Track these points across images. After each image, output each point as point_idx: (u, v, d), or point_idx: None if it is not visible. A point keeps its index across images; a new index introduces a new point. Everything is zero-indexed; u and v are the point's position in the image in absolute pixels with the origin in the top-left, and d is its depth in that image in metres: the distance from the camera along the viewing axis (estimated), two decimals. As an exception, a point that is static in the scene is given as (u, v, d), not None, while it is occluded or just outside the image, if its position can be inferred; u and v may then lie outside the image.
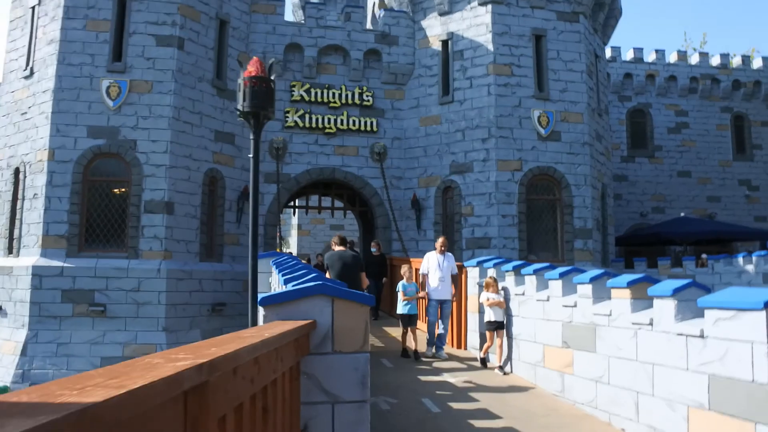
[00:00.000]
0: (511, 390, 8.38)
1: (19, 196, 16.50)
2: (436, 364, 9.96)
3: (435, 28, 19.46)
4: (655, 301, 6.12)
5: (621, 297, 6.70)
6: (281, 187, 18.80)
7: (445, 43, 19.23)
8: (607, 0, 20.51)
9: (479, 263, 10.96)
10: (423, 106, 19.32)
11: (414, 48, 19.85)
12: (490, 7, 18.46)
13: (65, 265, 15.51)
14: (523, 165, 17.87)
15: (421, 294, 10.97)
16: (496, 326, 9.62)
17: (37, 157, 16.09)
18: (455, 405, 7.38)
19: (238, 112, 6.44)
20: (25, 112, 16.79)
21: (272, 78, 6.58)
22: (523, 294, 9.19)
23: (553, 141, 18.14)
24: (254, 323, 6.17)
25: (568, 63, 18.68)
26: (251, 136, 6.77)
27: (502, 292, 9.78)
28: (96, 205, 16.16)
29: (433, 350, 10.59)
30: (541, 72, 18.48)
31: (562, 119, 18.31)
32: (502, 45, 18.33)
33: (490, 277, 9.97)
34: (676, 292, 5.87)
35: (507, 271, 9.86)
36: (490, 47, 18.28)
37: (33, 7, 17.46)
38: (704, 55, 30.21)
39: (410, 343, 10.52)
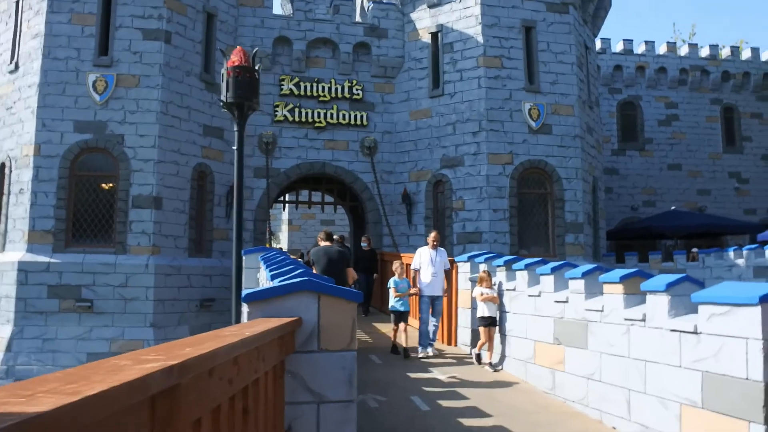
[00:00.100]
0: (501, 387, 8.29)
1: (5, 191, 16.31)
2: (426, 361, 9.86)
3: (424, 20, 19.32)
4: (648, 297, 6.03)
5: (613, 292, 6.61)
6: (271, 182, 18.65)
7: (434, 35, 19.10)
8: (598, -8, 20.44)
9: (470, 258, 10.85)
10: (413, 99, 19.20)
11: (403, 41, 19.71)
12: (479, -2, 18.34)
13: (51, 260, 15.35)
14: (514, 158, 17.78)
15: (413, 290, 10.73)
16: (489, 322, 9.39)
17: (23, 152, 15.88)
18: (444, 403, 7.28)
19: (221, 103, 6.29)
20: (11, 107, 16.56)
21: (256, 68, 6.42)
22: (514, 289, 9.09)
23: (544, 134, 18.06)
24: (238, 320, 6.04)
25: (558, 55, 18.59)
26: (235, 128, 6.62)
27: (495, 287, 9.59)
28: (83, 200, 15.98)
29: (427, 351, 10.29)
30: (531, 64, 18.38)
31: (552, 112, 18.23)
32: (492, 37, 18.21)
33: (484, 272, 9.74)
34: (669, 287, 5.77)
35: (498, 266, 9.76)
36: (480, 39, 18.16)
37: (17, 1, 17.21)
38: (693, 47, 30.21)
39: (401, 340, 10.39)
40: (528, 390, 8.15)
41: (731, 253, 19.47)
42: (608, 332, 6.64)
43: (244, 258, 10.73)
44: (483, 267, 10.23)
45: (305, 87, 19.11)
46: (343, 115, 19.21)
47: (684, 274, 6.03)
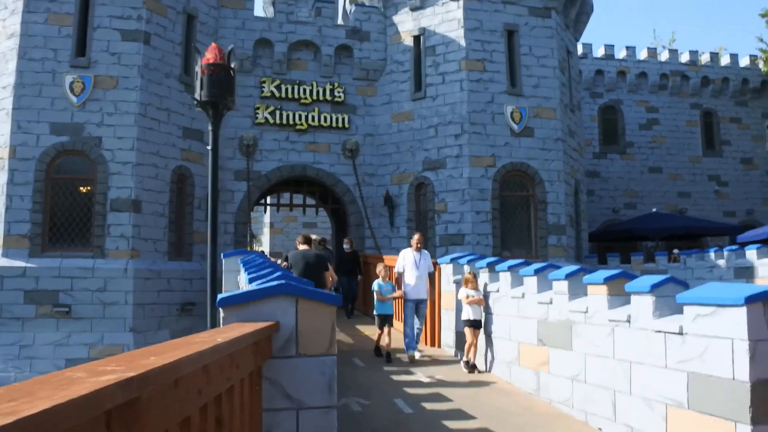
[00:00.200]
0: (485, 389, 8.20)
1: (-21, 194, 15.98)
2: (409, 363, 9.74)
3: (407, 23, 19.25)
4: (633, 298, 5.97)
5: (598, 293, 6.54)
6: (252, 185, 18.47)
7: (417, 38, 19.03)
8: (579, -4, 20.48)
9: (453, 260, 10.75)
10: (395, 102, 19.11)
11: (386, 44, 19.62)
12: (461, 2, 18.31)
13: (28, 265, 15.07)
14: (496, 161, 17.74)
15: (398, 293, 10.50)
16: (474, 325, 9.22)
17: (-2, 154, 15.59)
18: (428, 405, 7.17)
19: (195, 102, 6.14)
20: (-15, 109, 16.24)
21: (232, 66, 6.26)
22: (498, 291, 9.01)
23: (526, 137, 18.04)
24: (215, 325, 5.89)
25: (541, 59, 18.59)
26: (210, 128, 6.46)
27: (481, 290, 9.43)
28: (60, 204, 15.71)
29: (414, 354, 10.10)
30: (513, 67, 18.37)
31: (534, 115, 18.22)
32: (474, 40, 18.18)
33: (470, 273, 9.56)
34: (654, 288, 5.71)
35: (481, 267, 9.68)
36: (462, 43, 18.12)
37: (-8, 0, 16.90)
38: (674, 53, 30.46)
39: (384, 343, 10.25)
40: (512, 392, 8.07)
41: (712, 254, 19.58)
42: (593, 333, 6.57)
43: (223, 261, 10.58)
44: (467, 269, 10.14)
45: (286, 89, 18.96)
46: (325, 118, 19.08)
47: (668, 275, 5.98)
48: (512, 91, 18.15)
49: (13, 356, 14.45)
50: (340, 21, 20.82)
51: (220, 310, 3.70)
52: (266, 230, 33.34)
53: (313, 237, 12.55)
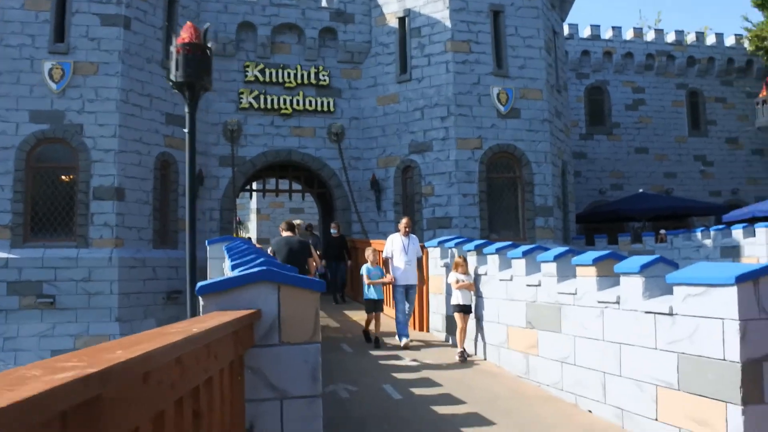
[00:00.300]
0: (474, 373, 8.14)
1: (-41, 185, 15.70)
2: (399, 350, 9.65)
3: (391, 4, 19.02)
4: (622, 279, 5.90)
5: (586, 275, 6.47)
6: (237, 171, 18.28)
7: (402, 20, 18.81)
8: (564, -25, 20.31)
9: (440, 243, 10.67)
10: (380, 84, 18.91)
11: (370, 26, 19.39)
12: (446, -18, 18.08)
13: (10, 256, 14.87)
14: (483, 143, 17.63)
15: (387, 279, 10.30)
16: (464, 310, 9.03)
17: (-24, 143, 15.30)
18: (417, 391, 7.10)
19: (170, 83, 5.96)
20: (-38, 97, 15.92)
21: (209, 45, 6.07)
22: (486, 274, 8.93)
23: (513, 118, 17.92)
24: (195, 314, 5.76)
25: (527, 39, 18.43)
26: (186, 109, 6.29)
27: (480, 277, 9.18)
28: (41, 193, 15.48)
29: (406, 340, 9.85)
30: (499, 48, 18.20)
31: (521, 96, 18.09)
32: (460, 21, 17.99)
33: (460, 257, 9.35)
34: (643, 269, 5.64)
35: (469, 250, 9.59)
36: (448, 24, 17.93)
37: (-33, -15, 16.51)
38: (660, 33, 30.36)
39: (373, 328, 10.13)
40: (502, 375, 8.02)
41: (699, 234, 19.62)
42: (582, 315, 6.51)
43: (208, 248, 10.47)
44: (454, 252, 10.05)
45: (270, 73, 18.72)
46: (310, 102, 18.86)
47: (658, 256, 5.91)
48: (498, 72, 17.99)
49: (-2, 348, 14.28)
50: (324, 3, 20.52)
51: (200, 298, 3.58)
52: (253, 216, 33.13)
53: (297, 222, 12.47)
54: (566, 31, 27.76)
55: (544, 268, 7.35)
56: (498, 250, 8.65)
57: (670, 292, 5.32)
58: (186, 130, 6.24)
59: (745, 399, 4.57)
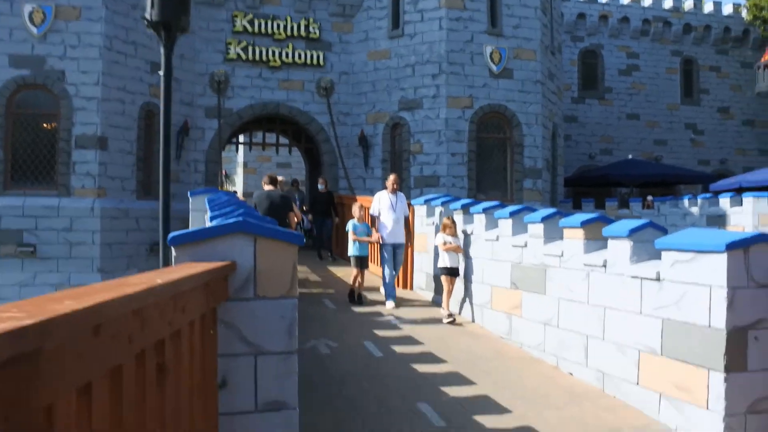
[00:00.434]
0: (456, 332, 8.09)
1: (-64, 129, 15.33)
2: (381, 307, 9.57)
3: (385, -44, 18.51)
4: (610, 242, 5.80)
5: (574, 237, 6.36)
6: (223, 123, 17.96)
7: (395, -28, 18.34)
8: (564, -67, 19.84)
9: (426, 201, 10.53)
10: (372, 39, 18.52)
11: (363, -23, 18.90)
12: (442, -65, 17.58)
13: (-10, 203, 14.57)
14: (474, 102, 17.37)
15: (374, 237, 10.06)
16: (451, 273, 8.81)
17: (-46, 88, 14.88)
18: (399, 349, 7.04)
19: (146, 22, 5.71)
20: (-62, 40, 15.43)
21: (187, -20, 5.80)
22: (472, 233, 8.82)
23: (505, 78, 17.64)
24: (167, 266, 5.61)
25: (522, -2, 18.04)
26: (162, 50, 6.03)
27: (461, 235, 8.99)
28: (22, 140, 15.14)
29: (393, 302, 9.62)
30: (494, 6, 17.79)
31: (514, 56, 17.79)
32: (455, -24, 17.55)
33: (448, 218, 9.07)
34: (632, 233, 5.54)
35: (455, 209, 9.46)
36: (443, -22, 17.49)
37: None
38: (657, -3, 29.96)
39: (357, 285, 9.96)
40: (484, 335, 7.97)
41: (686, 202, 19.64)
42: (567, 278, 6.42)
43: (190, 200, 10.27)
44: (440, 210, 9.91)
45: (259, 24, 18.26)
46: (299, 55, 18.46)
47: (647, 220, 5.82)
48: (492, 30, 17.63)
49: (-24, 296, 14.10)
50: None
51: (172, 249, 3.42)
52: (239, 170, 32.82)
53: (280, 179, 12.32)
54: (563, -9, 27.29)
55: (530, 229, 7.24)
56: (485, 210, 8.53)
57: (658, 258, 5.23)
58: (161, 73, 5.97)
59: (729, 366, 4.53)
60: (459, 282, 9.01)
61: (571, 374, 6.26)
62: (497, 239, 8.03)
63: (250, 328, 3.43)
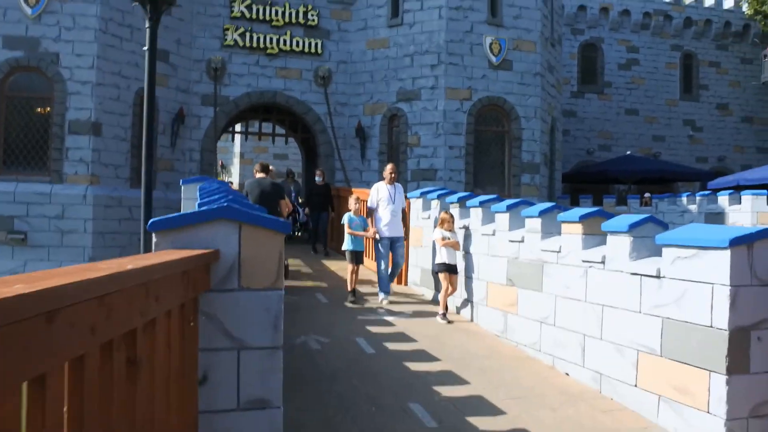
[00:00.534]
0: (451, 330, 7.93)
1: (-74, 112, 15.10)
2: (375, 302, 9.39)
3: (385, -57, 18.26)
4: (609, 238, 5.63)
5: (572, 232, 6.20)
6: (219, 110, 17.74)
7: (395, -40, 18.10)
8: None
9: (423, 194, 10.35)
10: (371, 28, 18.28)
11: (363, -35, 18.66)
12: (443, -77, 17.34)
13: (-20, 189, 14.36)
14: (472, 94, 17.18)
15: (370, 232, 9.71)
16: (449, 269, 8.51)
17: (-55, 69, 14.64)
18: (391, 346, 6.88)
19: (130, -5, 5.52)
20: (-70, 20, 15.18)
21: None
22: (468, 227, 8.65)
23: (505, 70, 17.44)
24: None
25: (523, -12, 17.83)
26: (147, 24, 5.83)
27: (462, 231, 8.68)
28: (15, 124, 14.92)
29: (386, 297, 9.37)
30: (494, -4, 17.59)
31: (514, 47, 17.58)
32: (455, -35, 17.33)
33: (446, 213, 8.78)
34: (632, 228, 5.37)
35: (452, 202, 9.29)
36: (443, -33, 17.26)
37: None
38: (658, -10, 29.78)
39: (353, 282, 9.48)
40: (479, 333, 7.81)
41: (684, 199, 19.51)
42: (565, 274, 6.26)
43: (183, 188, 10.08)
44: (436, 204, 9.74)
45: (258, 10, 18.00)
46: (297, 42, 18.23)
47: (648, 215, 5.65)
48: (492, 21, 17.42)
49: (-35, 282, 13.90)
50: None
51: (153, 235, 3.25)
52: (236, 161, 32.57)
53: (272, 168, 12.14)
54: (564, -16, 27.07)
55: (528, 223, 7.07)
56: (481, 203, 8.35)
57: (659, 254, 5.07)
58: (145, 48, 5.78)
59: (731, 368, 4.37)
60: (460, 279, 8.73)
61: (567, 374, 6.10)
62: (493, 234, 7.86)
63: (233, 321, 3.27)
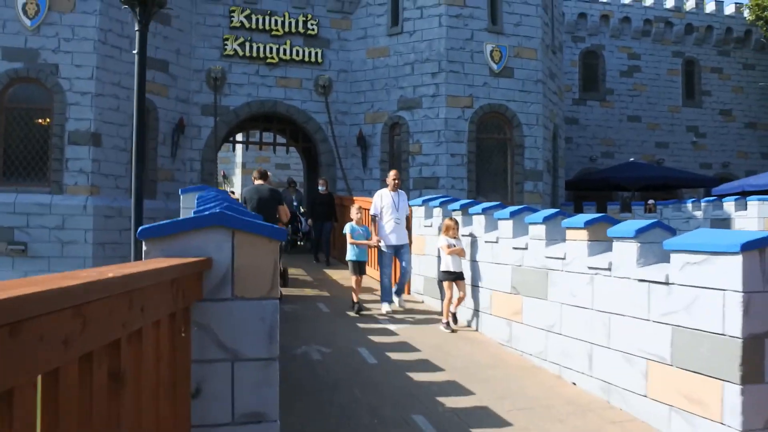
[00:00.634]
0: (454, 339, 7.78)
1: (-74, 124, 15.05)
2: (377, 311, 9.24)
3: (385, -48, 18.22)
4: (615, 244, 5.49)
5: (577, 239, 6.06)
6: (219, 120, 17.66)
7: (394, -32, 18.05)
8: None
9: (425, 202, 10.22)
10: (371, 36, 18.21)
11: (362, -26, 18.62)
12: (443, -69, 17.29)
13: (-20, 200, 14.29)
14: (474, 102, 17.07)
15: (372, 241, 9.51)
16: (454, 277, 8.31)
17: (-56, 81, 14.60)
18: (394, 355, 6.73)
19: (120, -2, 5.42)
20: (-71, 32, 15.15)
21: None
22: (471, 235, 8.50)
23: (506, 77, 17.34)
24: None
25: (523, -5, 17.76)
26: (136, 27, 5.71)
27: (467, 238, 8.49)
28: (14, 135, 14.87)
29: (389, 307, 9.22)
30: (494, 3, 17.48)
31: (515, 55, 17.49)
32: (455, -27, 17.26)
33: (451, 219, 8.60)
34: (639, 234, 5.23)
35: (454, 210, 9.15)
36: (442, -26, 17.20)
37: None
38: (659, -3, 29.72)
39: (355, 293, 9.29)
40: (484, 342, 7.66)
41: (689, 205, 19.34)
42: (570, 282, 6.11)
43: (182, 198, 9.98)
44: (437, 211, 9.61)
45: (257, 20, 17.95)
46: (297, 51, 18.16)
47: (655, 220, 5.51)
48: (493, 28, 17.34)
49: (-36, 294, 13.79)
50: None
51: (143, 243, 3.12)
52: (238, 171, 32.52)
53: (270, 175, 12.02)
54: (564, -9, 27.02)
55: (532, 230, 6.93)
56: (484, 210, 8.22)
57: (667, 260, 4.93)
58: (135, 52, 5.66)
59: (745, 378, 4.21)
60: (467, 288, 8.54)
61: (574, 384, 5.95)
62: (497, 241, 7.72)
63: (226, 332, 3.14)
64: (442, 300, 8.62)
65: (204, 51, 17.63)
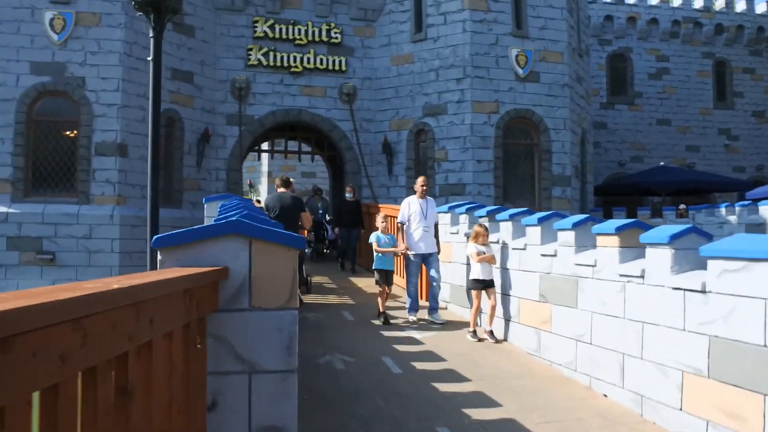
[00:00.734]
0: (481, 348, 7.61)
1: (-42, 137, 15.31)
2: (403, 320, 9.08)
3: (407, -41, 18.16)
4: (648, 250, 5.29)
5: (608, 245, 5.87)
6: (244, 130, 17.71)
7: (417, -25, 17.97)
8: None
9: (451, 209, 10.06)
10: (394, 44, 18.15)
11: (385, -19, 18.57)
12: (465, -65, 17.18)
13: (10, 210, 14.56)
14: (499, 107, 16.90)
15: (401, 248, 9.25)
16: (484, 286, 8.10)
17: (-25, 95, 14.84)
18: (419, 365, 6.59)
19: (134, 5, 5.39)
20: (-39, 48, 15.43)
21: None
22: (498, 242, 8.33)
23: (532, 82, 17.15)
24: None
25: (548, -2, 17.56)
26: (151, 34, 5.68)
27: (497, 245, 8.23)
28: (43, 147, 15.12)
29: (414, 315, 9.04)
30: (519, 8, 17.33)
31: (540, 59, 17.29)
32: (478, -23, 17.13)
33: (480, 225, 8.36)
34: (673, 240, 5.03)
35: (481, 216, 8.98)
36: (466, -21, 17.07)
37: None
38: (687, -3, 29.24)
39: (381, 303, 9.09)
40: (511, 351, 7.48)
41: (723, 210, 18.91)
42: (601, 290, 5.92)
43: (205, 206, 9.96)
44: (463, 217, 9.44)
45: (280, 29, 18.01)
46: (321, 60, 18.16)
47: (690, 225, 5.30)
48: (518, 32, 17.16)
49: (-5, 303, 13.95)
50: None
51: (158, 253, 3.04)
52: (264, 179, 32.67)
53: (292, 182, 11.96)
54: (590, -5, 26.74)
55: (560, 236, 6.75)
56: (512, 217, 8.05)
57: (704, 267, 4.72)
58: (150, 59, 5.63)
59: (788, 390, 4.00)
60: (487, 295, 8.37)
61: (605, 396, 5.75)
62: (525, 248, 7.55)
63: (243, 343, 3.03)
64: (471, 308, 8.45)
65: (228, 61, 17.72)
